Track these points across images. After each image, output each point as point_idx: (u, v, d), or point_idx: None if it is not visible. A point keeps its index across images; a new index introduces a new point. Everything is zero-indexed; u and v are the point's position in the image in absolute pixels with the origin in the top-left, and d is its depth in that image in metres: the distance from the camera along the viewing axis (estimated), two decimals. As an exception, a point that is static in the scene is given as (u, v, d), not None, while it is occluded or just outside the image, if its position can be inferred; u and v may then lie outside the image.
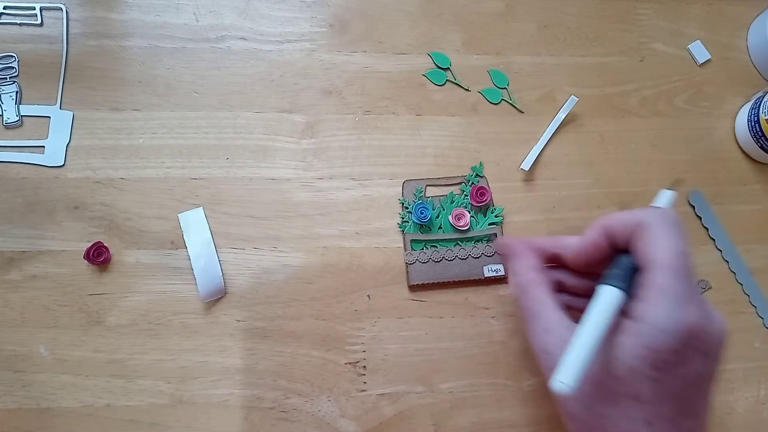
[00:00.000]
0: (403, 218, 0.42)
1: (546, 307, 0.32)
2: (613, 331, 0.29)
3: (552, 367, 0.29)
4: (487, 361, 0.41)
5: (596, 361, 0.29)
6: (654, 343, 0.28)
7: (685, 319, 0.28)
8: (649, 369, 0.28)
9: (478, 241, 0.42)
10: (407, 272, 0.41)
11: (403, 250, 0.42)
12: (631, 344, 0.28)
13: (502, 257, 0.41)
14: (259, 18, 0.45)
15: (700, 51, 0.49)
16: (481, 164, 0.44)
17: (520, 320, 0.40)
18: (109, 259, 0.40)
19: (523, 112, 0.46)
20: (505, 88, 0.46)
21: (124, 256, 0.40)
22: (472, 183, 0.43)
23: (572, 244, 0.35)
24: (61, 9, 0.44)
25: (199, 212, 0.41)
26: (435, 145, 0.44)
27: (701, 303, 0.29)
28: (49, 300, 0.39)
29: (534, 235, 0.43)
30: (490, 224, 0.43)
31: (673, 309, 0.28)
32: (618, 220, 0.32)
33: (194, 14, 0.45)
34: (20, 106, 0.42)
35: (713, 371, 0.30)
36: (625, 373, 0.28)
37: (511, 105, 0.46)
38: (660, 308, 0.28)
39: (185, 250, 0.40)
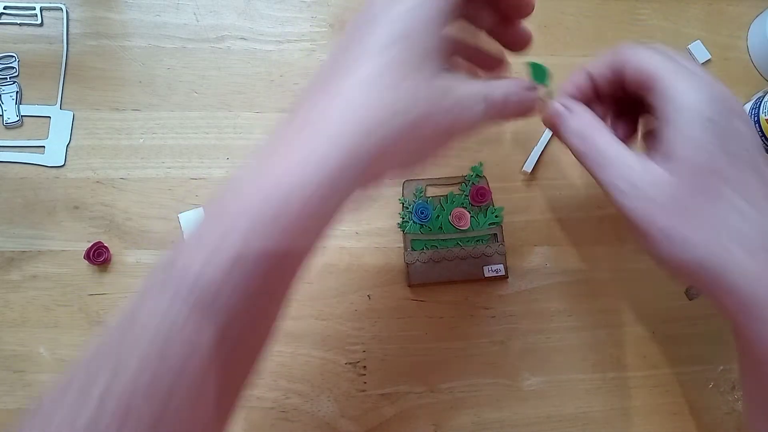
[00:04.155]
0: (403, 218, 0.42)
1: (618, 147, 0.32)
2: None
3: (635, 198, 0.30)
4: (487, 361, 0.41)
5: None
6: (708, 114, 0.29)
7: (715, 88, 0.29)
8: (716, 139, 0.29)
9: (478, 241, 0.42)
10: (407, 272, 0.41)
11: (403, 250, 0.42)
12: (688, 132, 0.29)
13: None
14: (259, 18, 0.45)
15: (700, 51, 0.49)
16: (481, 164, 0.44)
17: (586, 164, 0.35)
18: (109, 259, 0.40)
19: (523, 112, 0.46)
20: (505, 88, 0.46)
21: (124, 256, 0.40)
22: (472, 183, 0.43)
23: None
24: (61, 9, 0.44)
25: (199, 212, 0.41)
26: (435, 145, 0.44)
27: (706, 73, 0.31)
28: (49, 300, 0.39)
29: (534, 235, 0.43)
30: (490, 224, 0.43)
31: (700, 87, 0.29)
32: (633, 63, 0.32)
33: (194, 14, 0.45)
34: (20, 106, 0.42)
35: (755, 134, 0.31)
36: (692, 156, 0.29)
37: (511, 105, 0.46)
38: (688, 95, 0.29)
39: (185, 250, 0.40)
